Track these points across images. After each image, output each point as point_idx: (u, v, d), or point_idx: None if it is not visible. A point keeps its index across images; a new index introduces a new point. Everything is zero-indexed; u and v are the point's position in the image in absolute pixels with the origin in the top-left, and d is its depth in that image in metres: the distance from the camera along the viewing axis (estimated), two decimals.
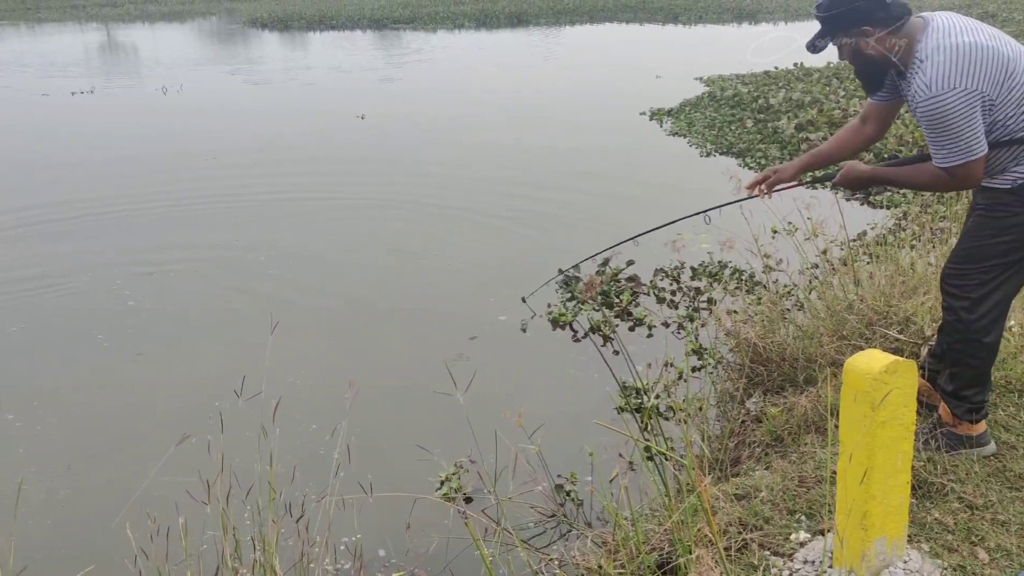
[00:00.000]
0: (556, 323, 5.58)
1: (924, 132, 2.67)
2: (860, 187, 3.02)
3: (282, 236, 7.66)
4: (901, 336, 3.63)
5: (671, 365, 4.89)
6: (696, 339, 5.12)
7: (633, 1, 34.17)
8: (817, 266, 6.34)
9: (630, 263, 6.44)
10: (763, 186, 3.26)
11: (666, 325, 5.51)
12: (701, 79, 15.51)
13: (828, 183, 3.13)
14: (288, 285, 6.51)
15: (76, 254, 7.25)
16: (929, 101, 2.55)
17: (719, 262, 6.54)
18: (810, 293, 4.68)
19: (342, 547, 3.05)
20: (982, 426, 2.89)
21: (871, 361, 2.23)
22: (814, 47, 2.79)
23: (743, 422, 3.69)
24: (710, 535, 2.42)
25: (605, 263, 6.40)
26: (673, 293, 6.07)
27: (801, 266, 5.22)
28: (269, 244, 7.44)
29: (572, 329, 5.52)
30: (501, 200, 8.60)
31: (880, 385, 2.21)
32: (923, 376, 3.27)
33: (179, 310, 6.07)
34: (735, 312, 4.35)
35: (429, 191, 9.04)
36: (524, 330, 5.55)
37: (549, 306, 5.82)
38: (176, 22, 36.22)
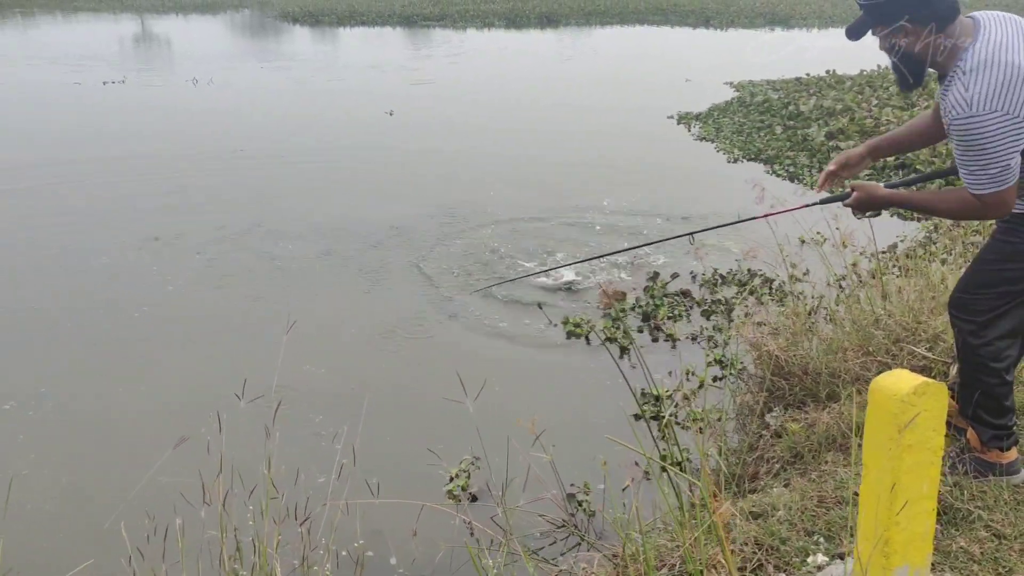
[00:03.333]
0: (572, 334, 5.49)
1: (954, 150, 2.52)
2: (874, 210, 2.85)
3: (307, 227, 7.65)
4: (929, 354, 3.51)
5: (692, 374, 4.80)
6: (722, 350, 5.00)
7: (665, 3, 33.98)
8: (844, 278, 6.23)
9: (675, 276, 6.35)
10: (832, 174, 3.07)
11: (693, 339, 5.38)
12: (731, 84, 15.36)
13: (843, 203, 2.94)
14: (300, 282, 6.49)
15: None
16: (967, 121, 2.39)
17: (748, 270, 6.40)
18: (837, 306, 4.56)
19: (344, 553, 2.99)
20: (1013, 454, 2.77)
21: (899, 381, 2.14)
22: (854, 33, 2.62)
23: (762, 436, 3.59)
24: (723, 561, 2.33)
25: (653, 277, 6.31)
26: (695, 304, 5.95)
27: (828, 278, 5.10)
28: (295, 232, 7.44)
29: (588, 340, 5.42)
30: (500, 210, 8.28)
31: (908, 407, 2.11)
32: (952, 398, 3.15)
33: (194, 307, 6.06)
34: (758, 323, 4.24)
35: (429, 192, 8.99)
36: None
37: (566, 319, 5.70)
38: (209, 14, 36.50)
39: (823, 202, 3.14)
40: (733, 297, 5.97)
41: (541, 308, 5.82)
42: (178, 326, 5.70)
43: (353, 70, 18.68)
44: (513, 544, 2.87)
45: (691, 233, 3.32)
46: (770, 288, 6.15)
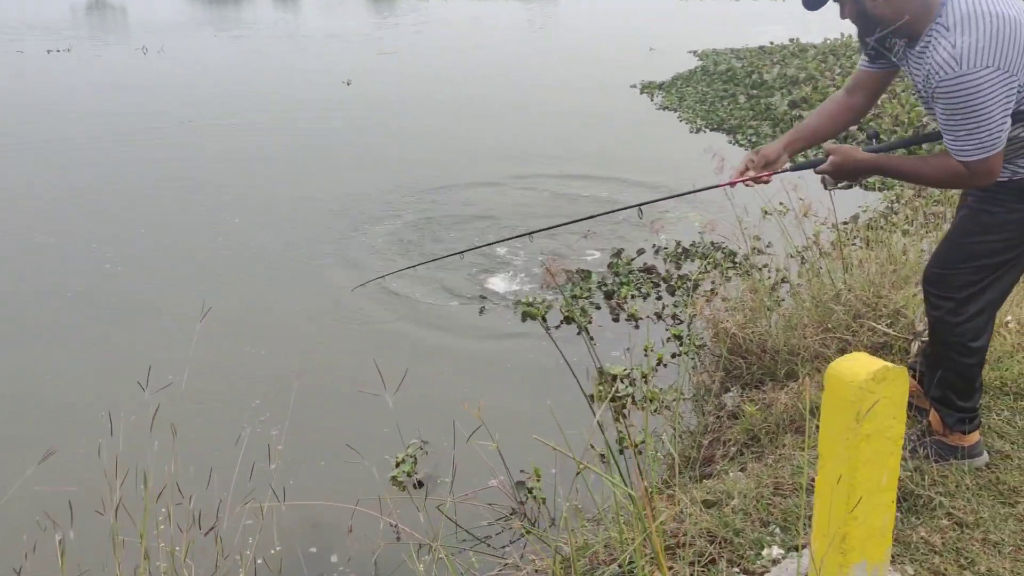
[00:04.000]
0: (528, 315, 5.25)
1: (939, 115, 2.30)
2: (853, 178, 2.54)
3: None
4: (890, 330, 3.38)
5: (650, 350, 4.65)
6: (685, 326, 4.82)
7: None
8: (807, 249, 6.11)
9: (640, 252, 6.15)
10: (749, 174, 2.75)
11: (658, 316, 5.19)
12: (695, 52, 15.17)
13: (815, 170, 2.62)
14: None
15: None
16: (956, 80, 2.16)
17: (711, 243, 6.25)
18: (799, 279, 4.42)
19: (260, 561, 2.80)
20: (975, 436, 2.65)
21: (856, 366, 1.98)
22: (813, 3, 2.41)
23: (719, 418, 3.45)
24: (676, 553, 2.18)
25: (618, 253, 6.08)
26: (662, 280, 5.75)
27: (790, 250, 4.97)
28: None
29: (544, 320, 5.19)
30: (448, 192, 7.94)
31: (866, 394, 1.96)
32: (913, 376, 3.03)
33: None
34: (715, 298, 4.09)
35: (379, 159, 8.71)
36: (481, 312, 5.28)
37: (518, 301, 5.46)
38: None
39: (794, 168, 2.80)
40: (698, 272, 5.82)
41: (489, 287, 5.61)
42: (89, 311, 5.40)
43: (314, 40, 18.21)
44: (455, 537, 2.70)
45: (640, 205, 3.01)
46: (733, 261, 6.02)
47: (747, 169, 2.73)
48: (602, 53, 16.03)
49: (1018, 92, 2.24)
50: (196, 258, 6.27)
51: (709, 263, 5.97)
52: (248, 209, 7.31)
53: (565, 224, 3.60)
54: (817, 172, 2.62)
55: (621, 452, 3.73)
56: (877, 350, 3.42)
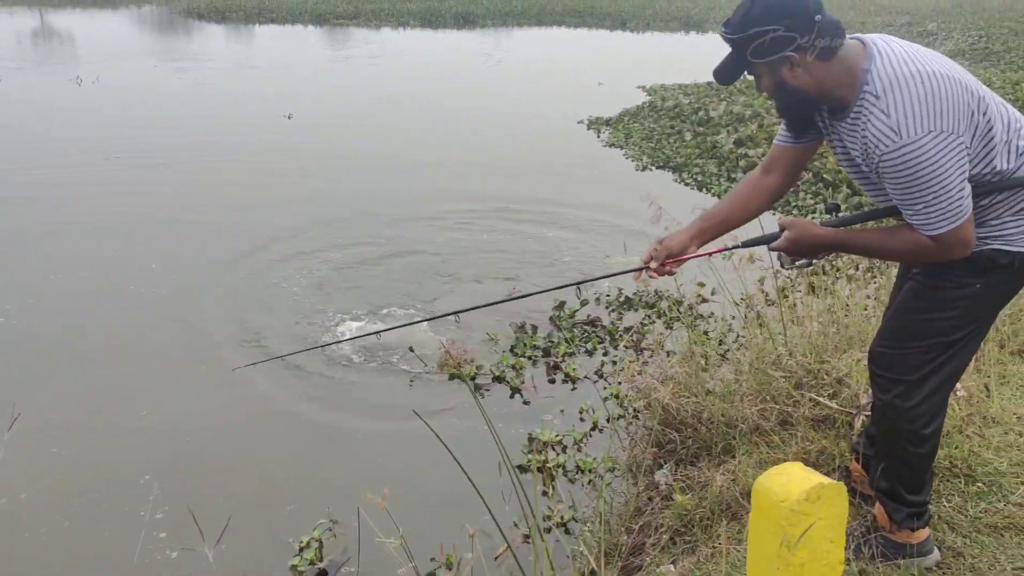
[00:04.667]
0: (455, 376, 4.80)
1: (891, 191, 2.07)
2: (811, 255, 2.29)
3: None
4: (832, 404, 3.13)
5: (587, 412, 4.34)
6: (621, 386, 4.46)
7: (581, 5, 33.79)
8: (751, 297, 5.90)
9: (584, 303, 5.80)
10: (652, 266, 2.47)
11: (599, 375, 4.81)
12: (643, 87, 15.13)
13: (768, 247, 2.35)
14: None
15: None
16: (899, 152, 1.96)
17: (655, 292, 5.98)
18: (743, 330, 4.14)
19: None
20: (924, 532, 2.39)
21: (788, 483, 1.71)
22: (725, 75, 2.15)
23: (650, 499, 3.15)
24: None
25: (560, 305, 5.70)
26: (608, 335, 5.36)
27: (734, 297, 4.71)
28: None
29: (474, 383, 4.75)
30: (375, 229, 7.49)
31: (799, 517, 1.68)
32: (856, 459, 2.78)
33: None
34: (652, 361, 3.81)
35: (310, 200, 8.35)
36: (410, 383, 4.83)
37: (444, 362, 4.93)
38: (108, 8, 34.82)
39: (745, 245, 2.49)
40: (642, 322, 5.53)
41: (413, 351, 5.07)
42: None
43: (260, 71, 17.82)
44: None
45: (578, 283, 2.73)
46: (679, 309, 5.77)
47: (652, 258, 2.46)
48: (550, 87, 15.90)
49: (968, 153, 2.01)
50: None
51: (654, 313, 5.71)
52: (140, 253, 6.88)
53: (481, 307, 3.28)
54: (771, 250, 2.34)
55: (548, 531, 3.44)
56: (818, 423, 3.18)
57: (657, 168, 9.66)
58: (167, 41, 24.58)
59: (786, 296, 5.17)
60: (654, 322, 5.55)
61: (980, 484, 2.76)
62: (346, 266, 6.60)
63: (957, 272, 2.15)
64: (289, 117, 12.41)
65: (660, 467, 3.30)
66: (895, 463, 2.36)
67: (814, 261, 2.33)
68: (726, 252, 2.65)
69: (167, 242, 7.11)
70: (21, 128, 11.66)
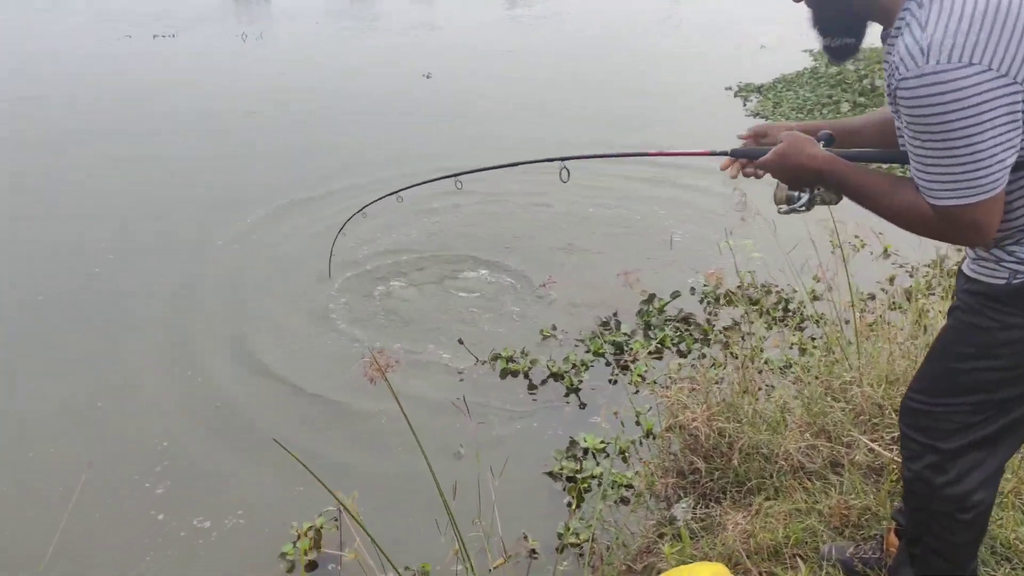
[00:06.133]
0: (507, 371, 4.44)
1: (904, 134, 1.54)
2: (797, 181, 1.80)
3: None
4: (888, 453, 2.56)
5: (643, 416, 3.90)
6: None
7: None
8: (873, 297, 5.17)
9: (675, 295, 5.17)
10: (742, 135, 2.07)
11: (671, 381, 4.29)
12: (810, 51, 13.90)
13: (754, 162, 1.90)
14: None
15: None
16: (919, 80, 1.43)
17: (762, 286, 5.27)
18: (850, 342, 3.49)
19: None
20: None
21: None
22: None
23: (661, 536, 2.73)
24: None
25: (650, 299, 5.10)
26: (705, 333, 4.78)
27: (853, 298, 4.03)
28: None
29: (527, 378, 4.38)
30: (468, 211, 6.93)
31: None
32: (895, 529, 2.24)
33: None
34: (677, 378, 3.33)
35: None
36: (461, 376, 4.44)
37: (496, 355, 4.55)
38: None
39: (734, 153, 2.00)
40: (735, 320, 4.93)
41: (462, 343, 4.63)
42: None
43: (424, 31, 17.92)
44: None
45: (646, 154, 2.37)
46: (786, 307, 5.12)
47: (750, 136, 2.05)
48: (708, 48, 14.96)
49: (1021, 113, 1.44)
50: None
51: (756, 310, 5.06)
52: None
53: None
54: (756, 166, 1.88)
55: (561, 551, 3.10)
56: (872, 473, 2.62)
57: None
58: (353, 2, 25.02)
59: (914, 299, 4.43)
60: (752, 322, 4.92)
61: None
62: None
63: (1002, 306, 1.60)
64: (427, 76, 12.35)
65: (680, 499, 2.86)
66: (927, 551, 1.85)
67: (807, 197, 1.80)
68: (713, 155, 2.08)
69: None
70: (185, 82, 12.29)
